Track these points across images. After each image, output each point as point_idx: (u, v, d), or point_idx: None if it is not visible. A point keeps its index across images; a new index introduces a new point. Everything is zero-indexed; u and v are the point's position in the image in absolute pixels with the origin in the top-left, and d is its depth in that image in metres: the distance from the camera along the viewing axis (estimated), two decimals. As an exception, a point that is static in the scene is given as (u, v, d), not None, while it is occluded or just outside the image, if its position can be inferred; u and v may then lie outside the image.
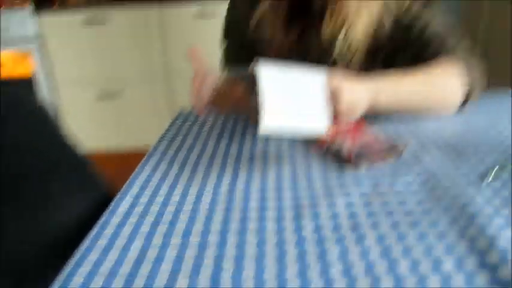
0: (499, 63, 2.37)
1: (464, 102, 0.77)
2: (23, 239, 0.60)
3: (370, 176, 0.59)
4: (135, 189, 0.60)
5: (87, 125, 2.49)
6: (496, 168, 0.57)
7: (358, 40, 0.81)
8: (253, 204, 0.54)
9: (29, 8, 2.22)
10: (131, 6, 2.27)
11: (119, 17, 2.28)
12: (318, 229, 0.48)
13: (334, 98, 0.65)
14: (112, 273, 0.43)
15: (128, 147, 2.51)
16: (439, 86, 0.76)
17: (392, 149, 0.63)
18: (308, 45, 0.89)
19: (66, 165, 0.69)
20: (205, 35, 2.05)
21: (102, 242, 0.48)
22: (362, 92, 0.69)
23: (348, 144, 0.64)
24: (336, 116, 0.66)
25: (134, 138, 2.50)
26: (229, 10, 1.02)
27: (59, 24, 2.28)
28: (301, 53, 0.91)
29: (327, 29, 0.81)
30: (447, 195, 0.53)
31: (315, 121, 0.61)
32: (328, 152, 0.65)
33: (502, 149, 0.65)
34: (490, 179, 0.55)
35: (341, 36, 0.81)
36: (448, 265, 0.41)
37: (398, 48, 0.84)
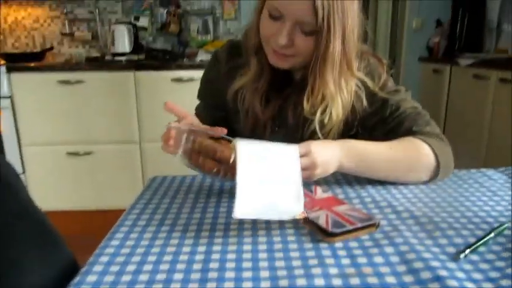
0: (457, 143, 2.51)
1: (435, 175, 0.80)
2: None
3: (347, 246, 0.59)
4: (104, 258, 0.57)
5: (55, 185, 2.42)
6: (473, 242, 0.58)
7: (337, 116, 0.84)
8: (229, 274, 0.53)
9: (2, 67, 2.22)
10: (108, 70, 2.31)
11: (95, 78, 2.30)
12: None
13: (310, 164, 0.68)
14: None
15: (99, 209, 2.44)
16: (407, 153, 0.79)
17: (368, 221, 0.63)
18: (285, 117, 0.91)
19: (28, 230, 0.66)
20: (181, 97, 2.07)
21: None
22: (334, 150, 0.73)
23: (324, 215, 0.64)
24: (310, 178, 0.70)
25: (107, 200, 2.44)
26: (207, 71, 1.04)
27: (33, 83, 2.27)
28: (278, 125, 0.93)
29: (307, 105, 0.83)
30: (426, 268, 0.52)
31: (288, 206, 0.62)
32: (304, 223, 0.65)
33: (476, 221, 0.66)
34: (467, 252, 0.55)
35: (320, 112, 0.83)
36: None
37: (373, 125, 0.88)
